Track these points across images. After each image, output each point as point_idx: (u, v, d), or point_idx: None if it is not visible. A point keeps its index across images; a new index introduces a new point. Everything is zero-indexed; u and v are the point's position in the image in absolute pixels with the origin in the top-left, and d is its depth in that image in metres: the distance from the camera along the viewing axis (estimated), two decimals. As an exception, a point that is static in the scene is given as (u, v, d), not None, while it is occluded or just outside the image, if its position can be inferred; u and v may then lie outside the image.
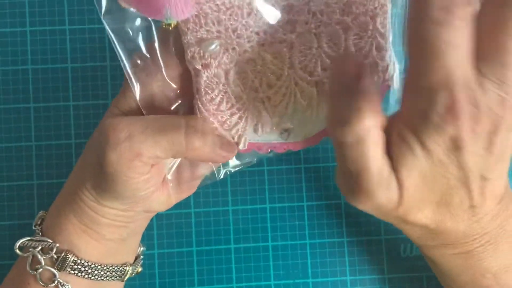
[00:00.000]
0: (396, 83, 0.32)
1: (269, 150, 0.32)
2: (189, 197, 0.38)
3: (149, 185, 0.28)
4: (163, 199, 0.31)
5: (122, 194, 0.28)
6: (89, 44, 0.39)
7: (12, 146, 0.39)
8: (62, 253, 0.29)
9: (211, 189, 0.39)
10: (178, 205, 0.38)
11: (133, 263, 0.33)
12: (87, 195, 0.29)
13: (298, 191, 0.39)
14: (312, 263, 0.39)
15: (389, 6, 0.30)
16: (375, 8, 0.29)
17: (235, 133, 0.30)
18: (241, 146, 0.30)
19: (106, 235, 0.30)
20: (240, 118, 0.30)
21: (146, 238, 0.38)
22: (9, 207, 0.38)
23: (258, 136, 0.31)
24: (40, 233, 0.30)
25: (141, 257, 0.35)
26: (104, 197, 0.29)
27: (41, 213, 0.32)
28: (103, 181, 0.28)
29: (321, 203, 0.39)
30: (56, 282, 0.29)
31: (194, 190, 0.33)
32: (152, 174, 0.28)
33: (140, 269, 0.34)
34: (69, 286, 0.30)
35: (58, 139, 0.39)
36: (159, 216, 0.38)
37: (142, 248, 0.35)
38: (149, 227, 0.38)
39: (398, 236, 0.39)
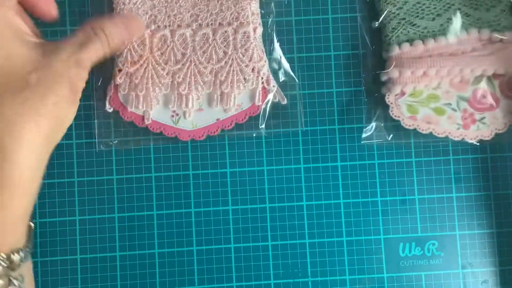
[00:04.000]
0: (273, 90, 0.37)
1: (175, 135, 0.37)
2: (189, 197, 0.39)
3: None
4: None
5: None
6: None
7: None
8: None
9: (211, 189, 0.39)
10: (178, 205, 0.39)
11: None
12: None
13: (297, 191, 0.39)
14: (311, 262, 0.39)
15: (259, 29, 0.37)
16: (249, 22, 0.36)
17: (140, 90, 0.36)
18: (145, 121, 0.37)
19: None
20: (143, 75, 0.36)
21: (147, 238, 0.38)
22: None
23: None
24: None
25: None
26: None
27: None
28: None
29: (320, 203, 0.39)
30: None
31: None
32: None
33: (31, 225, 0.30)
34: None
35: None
36: (159, 216, 0.39)
37: None
38: (149, 227, 0.39)
39: (397, 235, 0.39)
